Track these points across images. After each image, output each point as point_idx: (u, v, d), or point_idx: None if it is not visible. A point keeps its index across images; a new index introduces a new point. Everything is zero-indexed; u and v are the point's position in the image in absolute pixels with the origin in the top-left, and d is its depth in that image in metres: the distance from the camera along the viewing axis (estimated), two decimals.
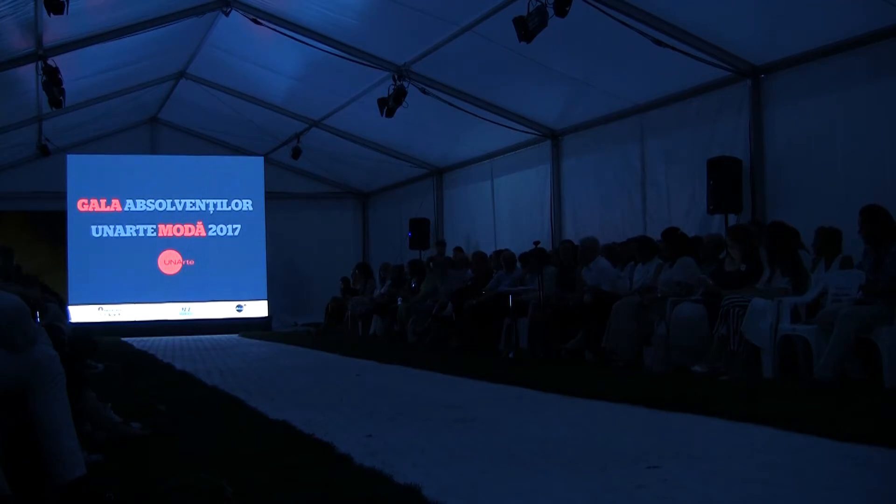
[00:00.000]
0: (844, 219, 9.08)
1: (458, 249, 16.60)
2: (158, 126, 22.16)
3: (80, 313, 19.07)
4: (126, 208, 20.44)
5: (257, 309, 20.97)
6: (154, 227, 20.59)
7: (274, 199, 22.14)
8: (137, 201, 20.52)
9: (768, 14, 9.84)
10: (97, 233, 20.19)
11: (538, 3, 9.63)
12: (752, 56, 10.58)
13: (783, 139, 10.53)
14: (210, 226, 20.94)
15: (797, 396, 6.53)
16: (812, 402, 6.12)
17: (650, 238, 10.87)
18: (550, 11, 9.55)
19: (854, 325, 7.10)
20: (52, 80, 12.76)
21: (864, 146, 9.51)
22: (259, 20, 13.52)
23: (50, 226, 20.80)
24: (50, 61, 12.82)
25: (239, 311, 20.83)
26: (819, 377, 7.05)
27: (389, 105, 13.65)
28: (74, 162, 20.23)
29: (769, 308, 8.00)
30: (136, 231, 20.49)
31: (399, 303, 15.91)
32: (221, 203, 21.03)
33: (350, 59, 13.80)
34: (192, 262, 20.69)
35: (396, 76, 13.62)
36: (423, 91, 14.02)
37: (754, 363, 8.20)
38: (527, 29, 9.81)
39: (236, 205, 21.12)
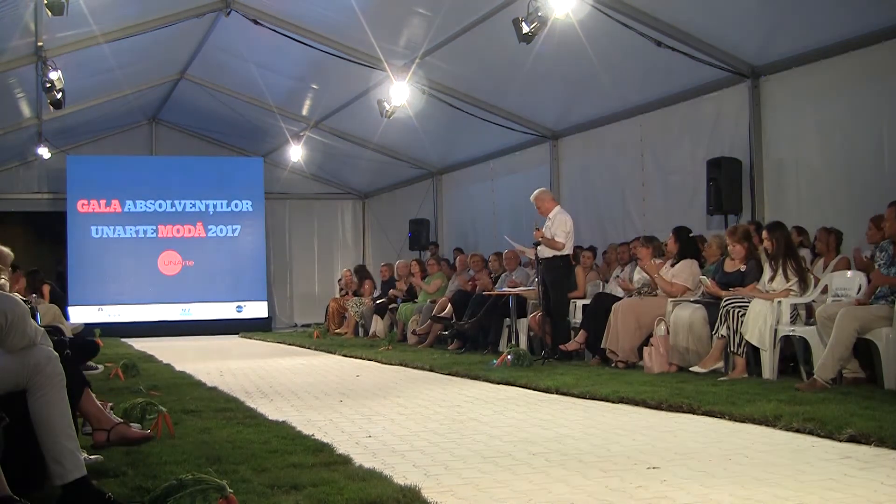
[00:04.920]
0: (844, 219, 9.11)
1: (457, 250, 16.60)
2: (158, 127, 22.17)
3: (79, 314, 19.08)
4: (126, 209, 20.46)
5: (257, 309, 21.00)
6: (154, 227, 20.61)
7: (273, 199, 22.17)
8: (137, 202, 20.54)
9: (768, 15, 9.83)
10: (97, 233, 20.21)
11: (537, 5, 9.62)
12: (752, 57, 10.58)
13: (783, 140, 10.53)
14: (210, 226, 20.97)
15: (797, 397, 6.53)
16: (812, 403, 6.11)
17: (654, 237, 10.80)
18: (550, 13, 9.55)
19: (852, 325, 7.09)
20: (51, 81, 12.76)
21: (864, 147, 9.52)
22: (259, 21, 13.53)
23: (50, 226, 20.80)
24: (50, 62, 12.82)
25: (239, 311, 20.84)
26: (819, 378, 7.05)
27: (389, 106, 13.65)
28: (74, 163, 20.27)
29: (769, 309, 8.01)
30: (136, 232, 20.51)
31: (399, 303, 15.92)
32: (221, 204, 21.05)
33: (349, 60, 13.80)
34: (191, 263, 20.71)
35: (395, 77, 13.60)
36: (423, 92, 14.02)
37: (754, 364, 8.21)
38: (526, 30, 9.80)
39: (236, 205, 21.14)
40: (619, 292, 10.56)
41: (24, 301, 4.30)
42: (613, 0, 10.03)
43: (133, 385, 8.51)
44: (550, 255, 10.66)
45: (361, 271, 19.02)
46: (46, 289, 17.78)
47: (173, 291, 20.46)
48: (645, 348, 9.17)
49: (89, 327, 15.99)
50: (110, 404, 5.66)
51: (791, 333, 7.95)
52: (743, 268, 8.81)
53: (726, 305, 8.32)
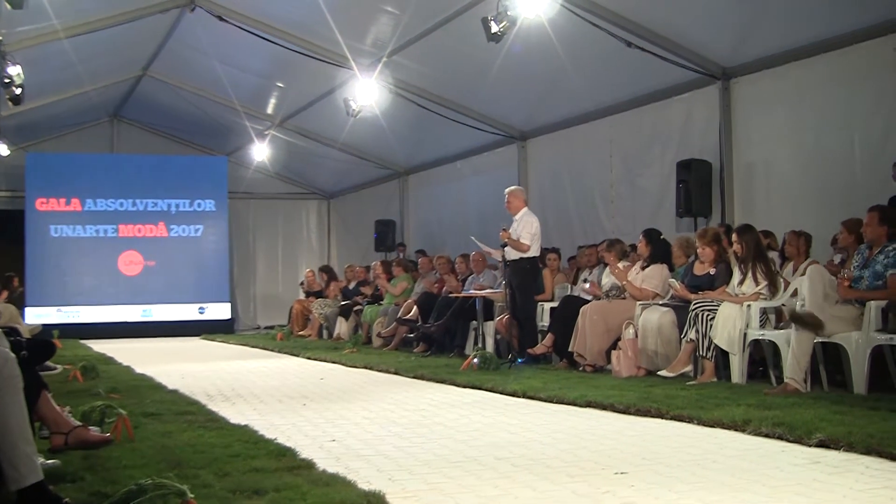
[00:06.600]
0: (814, 223, 9.14)
1: (419, 253, 16.53)
2: (120, 124, 21.93)
3: (38, 315, 18.81)
4: (86, 208, 20.21)
5: (220, 311, 20.81)
6: (115, 227, 20.36)
7: (237, 199, 22.01)
8: (98, 201, 20.28)
9: (739, 17, 9.87)
10: (56, 233, 19.93)
11: (507, 4, 9.57)
12: (723, 59, 10.61)
13: (753, 142, 10.57)
14: (172, 226, 20.75)
15: (766, 402, 6.51)
16: (781, 408, 6.11)
17: (618, 240, 10.78)
18: (519, 12, 9.50)
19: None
20: (10, 77, 12.56)
21: (834, 150, 9.57)
22: (224, 17, 13.39)
23: (8, 225, 20.52)
24: (9, 57, 12.61)
25: (201, 312, 20.64)
26: (791, 379, 7.04)
27: (355, 105, 13.57)
28: (33, 160, 20.00)
29: (738, 313, 7.99)
30: (97, 231, 20.26)
31: (364, 305, 15.82)
32: (184, 203, 20.85)
33: (315, 58, 13.71)
34: (153, 264, 20.48)
35: (362, 75, 13.53)
36: (391, 91, 13.95)
37: (723, 368, 8.19)
38: (495, 29, 9.75)
39: (199, 205, 20.94)
40: (587, 295, 10.52)
41: None
42: (584, 0, 10.00)
43: (92, 387, 8.39)
44: (517, 258, 10.60)
45: (328, 272, 18.89)
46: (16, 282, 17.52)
47: (134, 292, 20.21)
48: (613, 352, 9.12)
49: (48, 328, 15.78)
50: (68, 408, 5.55)
51: (760, 337, 7.94)
52: (712, 271, 8.78)
53: (695, 309, 8.29)
